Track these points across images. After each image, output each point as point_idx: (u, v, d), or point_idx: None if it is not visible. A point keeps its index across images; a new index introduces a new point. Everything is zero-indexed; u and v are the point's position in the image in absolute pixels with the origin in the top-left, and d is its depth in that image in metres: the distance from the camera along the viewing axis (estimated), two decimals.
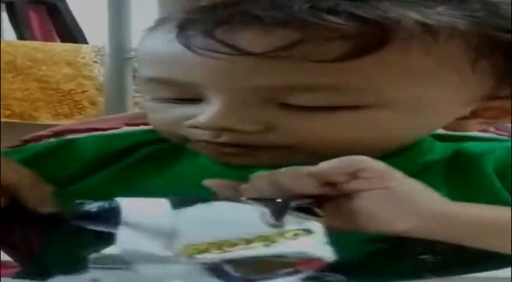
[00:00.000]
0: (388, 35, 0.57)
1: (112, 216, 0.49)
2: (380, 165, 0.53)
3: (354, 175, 0.52)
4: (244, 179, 0.62)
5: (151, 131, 0.73)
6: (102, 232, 0.50)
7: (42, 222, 0.62)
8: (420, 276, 0.55)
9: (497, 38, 0.60)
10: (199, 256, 0.47)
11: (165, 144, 0.70)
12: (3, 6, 1.67)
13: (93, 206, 0.51)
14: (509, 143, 0.69)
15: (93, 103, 1.45)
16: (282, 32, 0.57)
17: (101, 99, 1.46)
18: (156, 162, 0.69)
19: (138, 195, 0.64)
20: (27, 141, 0.77)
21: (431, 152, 0.67)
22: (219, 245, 0.47)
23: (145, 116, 0.73)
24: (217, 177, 0.64)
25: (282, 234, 0.49)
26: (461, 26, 0.59)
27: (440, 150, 0.67)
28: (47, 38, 1.67)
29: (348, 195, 0.52)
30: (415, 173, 0.62)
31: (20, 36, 1.65)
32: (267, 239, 0.48)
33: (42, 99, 1.38)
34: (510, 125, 0.81)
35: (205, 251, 0.47)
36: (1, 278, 0.50)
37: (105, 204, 0.51)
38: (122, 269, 0.47)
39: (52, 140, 0.75)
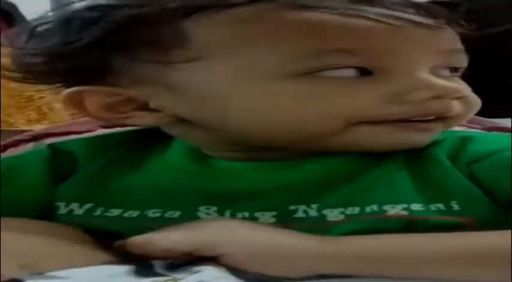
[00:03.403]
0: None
1: None
2: (191, 242, 0.55)
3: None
4: (210, 175, 0.66)
5: (127, 132, 0.75)
6: None
7: None
8: None
9: None
10: None
11: (137, 144, 0.72)
12: None
13: None
14: (464, 133, 0.72)
15: (51, 109, 1.45)
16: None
17: (58, 105, 1.46)
18: (129, 162, 0.70)
19: (114, 195, 0.66)
20: (5, 147, 0.77)
21: None
22: None
23: None
24: (185, 174, 0.67)
25: None
26: None
27: None
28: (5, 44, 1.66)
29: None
30: (378, 165, 0.66)
31: None
32: None
33: (12, 105, 1.38)
34: (477, 117, 0.85)
35: None
36: None
37: None
38: None
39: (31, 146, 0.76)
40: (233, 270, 0.53)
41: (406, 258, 0.55)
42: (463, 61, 0.68)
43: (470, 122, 0.80)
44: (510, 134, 0.75)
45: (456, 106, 0.65)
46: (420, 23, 0.63)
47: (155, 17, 0.63)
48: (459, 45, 0.67)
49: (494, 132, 0.80)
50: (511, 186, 0.61)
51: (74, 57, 0.64)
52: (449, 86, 0.64)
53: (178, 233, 0.56)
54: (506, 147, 0.65)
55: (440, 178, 0.64)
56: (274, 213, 0.62)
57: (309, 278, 0.55)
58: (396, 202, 0.61)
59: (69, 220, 0.65)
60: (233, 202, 0.64)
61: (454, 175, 0.64)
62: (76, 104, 0.66)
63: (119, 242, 0.56)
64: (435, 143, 0.67)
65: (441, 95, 0.63)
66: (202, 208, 0.63)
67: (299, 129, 0.63)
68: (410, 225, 0.60)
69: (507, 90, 2.84)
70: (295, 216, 0.62)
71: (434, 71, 0.65)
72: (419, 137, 0.65)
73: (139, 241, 0.55)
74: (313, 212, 0.62)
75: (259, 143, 0.65)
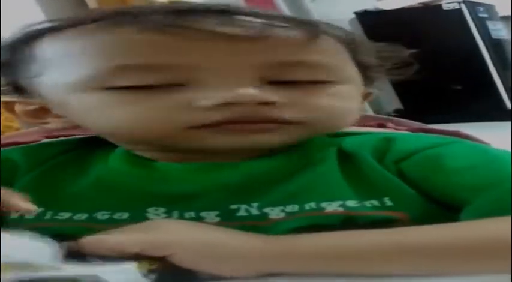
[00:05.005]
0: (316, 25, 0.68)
1: None
2: (136, 241, 0.56)
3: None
4: (154, 177, 0.68)
5: (68, 140, 0.76)
6: None
7: None
8: None
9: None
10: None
11: (79, 151, 0.74)
12: None
13: None
14: (387, 134, 0.75)
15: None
16: (249, 22, 0.65)
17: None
18: (73, 167, 0.72)
19: (63, 199, 0.68)
20: None
21: (321, 146, 0.72)
22: (19, 268, 0.50)
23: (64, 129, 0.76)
24: (129, 177, 0.69)
25: None
26: None
27: (329, 144, 0.73)
28: None
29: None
30: (309, 164, 0.68)
31: None
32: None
33: None
34: (405, 120, 0.88)
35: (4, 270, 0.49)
36: None
37: None
38: None
39: None
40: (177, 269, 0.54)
41: (355, 254, 0.56)
42: (303, 73, 0.67)
43: (397, 124, 0.83)
44: (438, 134, 0.78)
45: (280, 113, 0.65)
46: (238, 36, 0.64)
47: (19, 43, 0.70)
48: (294, 58, 0.66)
49: (419, 133, 0.82)
50: (436, 182, 0.64)
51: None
52: (248, 94, 0.63)
53: (127, 234, 0.57)
54: (429, 145, 0.68)
55: (370, 177, 0.66)
56: (217, 212, 0.64)
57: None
58: (332, 199, 0.63)
59: (20, 224, 0.66)
60: (179, 203, 0.65)
61: (382, 173, 0.66)
62: (11, 111, 0.72)
63: (71, 243, 0.56)
64: (360, 145, 0.70)
65: (238, 102, 0.63)
66: (151, 209, 0.65)
67: (123, 133, 0.68)
68: (348, 221, 0.62)
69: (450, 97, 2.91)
70: (237, 215, 0.63)
71: (258, 82, 0.65)
72: (260, 138, 0.66)
73: (90, 241, 0.56)
74: (254, 211, 0.64)
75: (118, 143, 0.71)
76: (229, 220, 0.63)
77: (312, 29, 0.67)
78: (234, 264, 0.55)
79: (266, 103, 0.64)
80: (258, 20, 0.65)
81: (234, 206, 0.64)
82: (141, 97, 0.65)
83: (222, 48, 0.64)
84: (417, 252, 0.55)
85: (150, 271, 0.53)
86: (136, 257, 0.53)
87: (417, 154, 0.67)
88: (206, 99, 0.64)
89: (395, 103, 3.14)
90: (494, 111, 2.80)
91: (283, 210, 0.63)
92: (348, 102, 0.70)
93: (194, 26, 0.63)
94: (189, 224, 0.60)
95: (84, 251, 0.55)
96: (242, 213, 0.64)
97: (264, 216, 0.63)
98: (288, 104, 0.65)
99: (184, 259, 0.54)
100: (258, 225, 0.62)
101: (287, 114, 0.65)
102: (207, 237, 0.57)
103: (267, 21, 0.65)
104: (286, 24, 0.66)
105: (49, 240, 0.54)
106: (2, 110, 0.72)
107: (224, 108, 0.64)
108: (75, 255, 0.54)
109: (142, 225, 0.59)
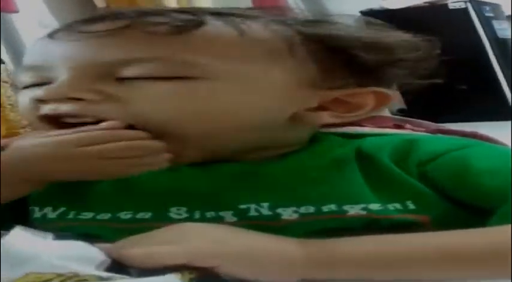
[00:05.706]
0: (200, 19, 0.68)
1: None
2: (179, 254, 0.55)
3: None
4: (175, 177, 0.69)
5: None
6: None
7: None
8: None
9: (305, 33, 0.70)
10: None
11: None
12: None
13: None
14: (410, 136, 0.75)
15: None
16: (114, 21, 0.68)
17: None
18: None
19: (86, 199, 0.68)
20: None
21: (339, 148, 0.73)
22: (65, 278, 0.49)
23: None
24: (151, 177, 0.69)
25: None
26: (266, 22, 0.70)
27: (347, 146, 0.73)
28: None
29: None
30: (327, 166, 0.68)
31: None
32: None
33: None
34: (422, 121, 0.88)
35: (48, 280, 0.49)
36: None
37: None
38: None
39: None
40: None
41: (405, 259, 0.56)
42: (136, 70, 0.67)
43: (414, 125, 0.82)
44: (456, 135, 0.78)
45: (93, 111, 0.68)
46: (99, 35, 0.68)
47: None
48: (137, 55, 0.68)
49: (438, 135, 0.82)
50: (464, 184, 0.64)
51: None
52: (54, 90, 0.68)
53: (170, 246, 0.55)
54: (454, 147, 0.68)
55: (391, 179, 0.67)
56: (232, 212, 0.64)
57: None
58: (355, 202, 0.63)
59: (43, 223, 0.66)
60: (200, 202, 0.66)
61: (401, 176, 0.66)
62: None
63: (102, 246, 0.56)
64: (380, 147, 0.71)
65: (48, 98, 0.69)
66: (173, 209, 0.65)
67: None
68: (370, 224, 0.62)
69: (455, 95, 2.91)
70: (249, 214, 0.64)
71: (105, 78, 0.68)
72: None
73: (137, 254, 0.55)
74: (265, 211, 0.64)
75: None
76: (243, 219, 0.63)
77: (182, 25, 0.67)
78: (275, 270, 0.55)
79: (81, 100, 0.67)
80: (128, 17, 0.68)
81: (243, 206, 0.64)
82: (30, 94, 0.71)
83: (81, 47, 0.67)
84: (456, 256, 0.55)
85: (191, 280, 0.52)
86: (177, 267, 0.53)
87: (443, 156, 0.67)
88: (34, 96, 0.69)
89: (398, 103, 3.13)
90: (499, 111, 2.80)
91: (296, 211, 0.63)
92: (210, 100, 0.68)
93: (76, 29, 0.69)
94: (225, 230, 0.60)
95: (128, 263, 0.54)
96: (253, 213, 0.64)
97: (276, 216, 0.63)
98: (105, 101, 0.67)
99: (229, 268, 0.54)
100: (269, 226, 0.62)
101: (103, 112, 0.67)
102: (248, 244, 0.57)
103: (142, 19, 0.68)
104: (164, 20, 0.67)
105: (95, 249, 0.53)
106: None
107: (43, 104, 0.68)
108: (117, 265, 0.53)
109: (178, 232, 0.58)
